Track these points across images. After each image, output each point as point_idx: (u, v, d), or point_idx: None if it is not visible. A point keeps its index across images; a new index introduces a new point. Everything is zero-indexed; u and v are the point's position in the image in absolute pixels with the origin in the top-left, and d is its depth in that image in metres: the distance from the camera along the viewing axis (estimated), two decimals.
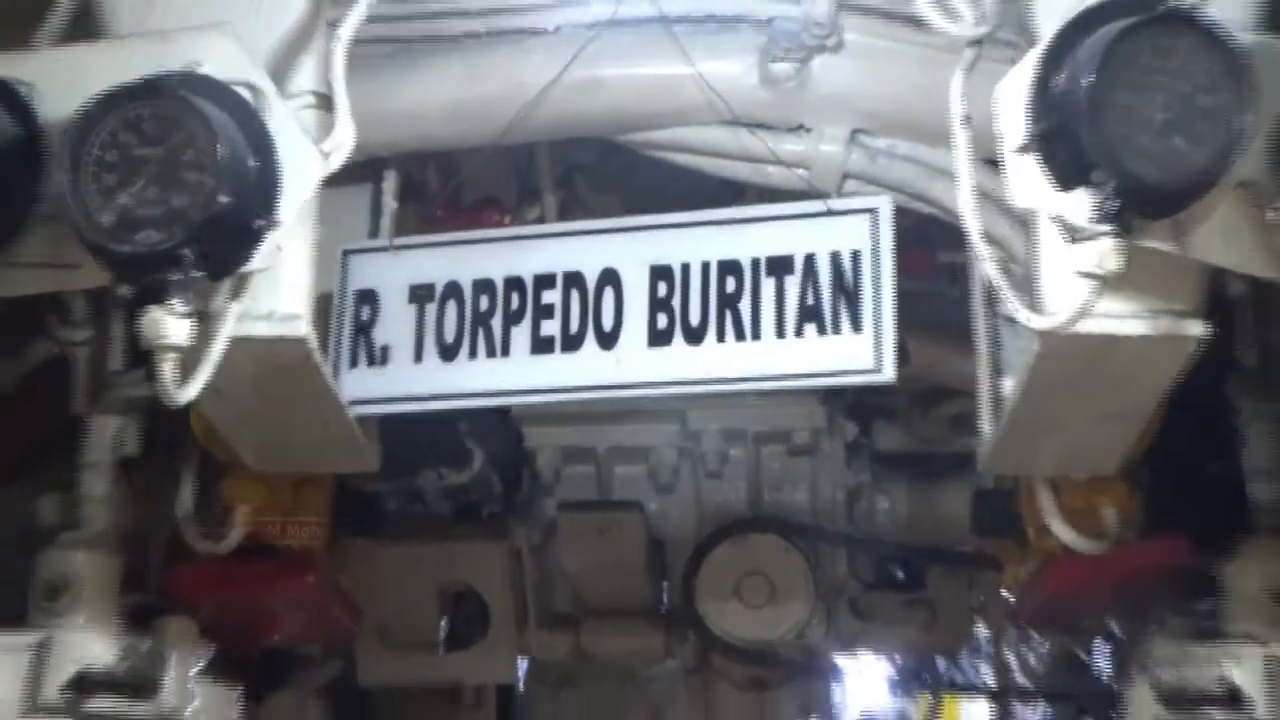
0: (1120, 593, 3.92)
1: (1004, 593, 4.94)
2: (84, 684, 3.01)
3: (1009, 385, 3.60)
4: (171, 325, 2.70)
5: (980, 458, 3.87)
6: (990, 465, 3.83)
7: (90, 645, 3.18)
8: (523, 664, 5.65)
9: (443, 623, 5.36)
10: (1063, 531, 3.67)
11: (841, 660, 5.92)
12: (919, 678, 5.95)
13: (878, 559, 5.53)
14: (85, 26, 3.17)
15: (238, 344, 2.90)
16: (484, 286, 3.64)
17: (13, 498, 4.19)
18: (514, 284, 3.63)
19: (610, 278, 3.60)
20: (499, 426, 5.28)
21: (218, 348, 2.83)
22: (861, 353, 3.43)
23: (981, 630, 5.79)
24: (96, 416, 3.79)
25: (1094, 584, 3.90)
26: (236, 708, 3.60)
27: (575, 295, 3.59)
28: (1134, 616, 3.91)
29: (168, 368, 2.72)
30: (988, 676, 5.83)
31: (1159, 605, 3.71)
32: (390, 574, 5.15)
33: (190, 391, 2.76)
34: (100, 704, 3.00)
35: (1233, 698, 3.06)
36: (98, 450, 3.75)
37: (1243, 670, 3.11)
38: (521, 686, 5.91)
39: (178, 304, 2.71)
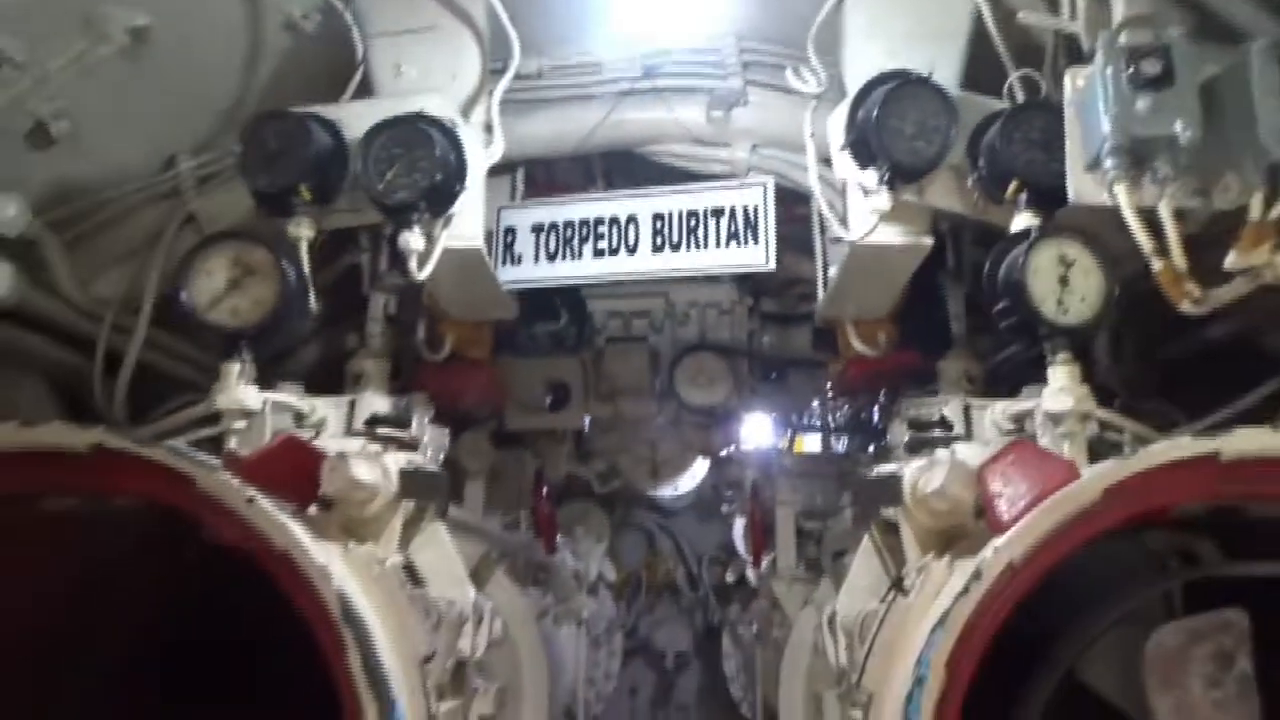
0: (887, 377, 3.87)
1: (828, 382, 4.84)
2: (374, 420, 2.99)
3: (833, 272, 3.63)
4: (414, 240, 2.74)
5: (817, 312, 3.91)
6: (822, 315, 3.86)
7: (377, 404, 3.15)
8: (586, 419, 5.45)
9: (547, 398, 5.23)
10: (859, 345, 3.68)
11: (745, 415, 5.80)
12: (785, 423, 5.80)
13: (763, 365, 5.42)
14: (365, 89, 3.18)
15: (446, 252, 2.92)
16: (569, 224, 3.62)
17: (333, 334, 4.21)
18: (584, 223, 3.61)
19: (632, 219, 3.58)
20: (574, 299, 5.27)
21: (436, 252, 2.85)
22: (758, 255, 3.46)
23: (815, 402, 5.71)
24: (373, 294, 3.77)
25: (873, 373, 3.85)
26: (447, 439, 3.51)
27: (615, 228, 3.57)
28: (892, 390, 3.88)
29: (413, 263, 2.76)
30: (817, 422, 5.71)
31: (905, 384, 3.72)
32: (521, 374, 5.11)
33: (424, 274, 2.80)
34: (382, 430, 2.95)
35: (943, 422, 3.06)
36: (375, 310, 3.72)
37: (949, 409, 3.13)
38: (586, 429, 5.73)
39: (417, 230, 2.75)
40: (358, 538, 2.40)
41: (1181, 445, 2.03)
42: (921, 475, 2.36)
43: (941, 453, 2.62)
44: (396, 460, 2.62)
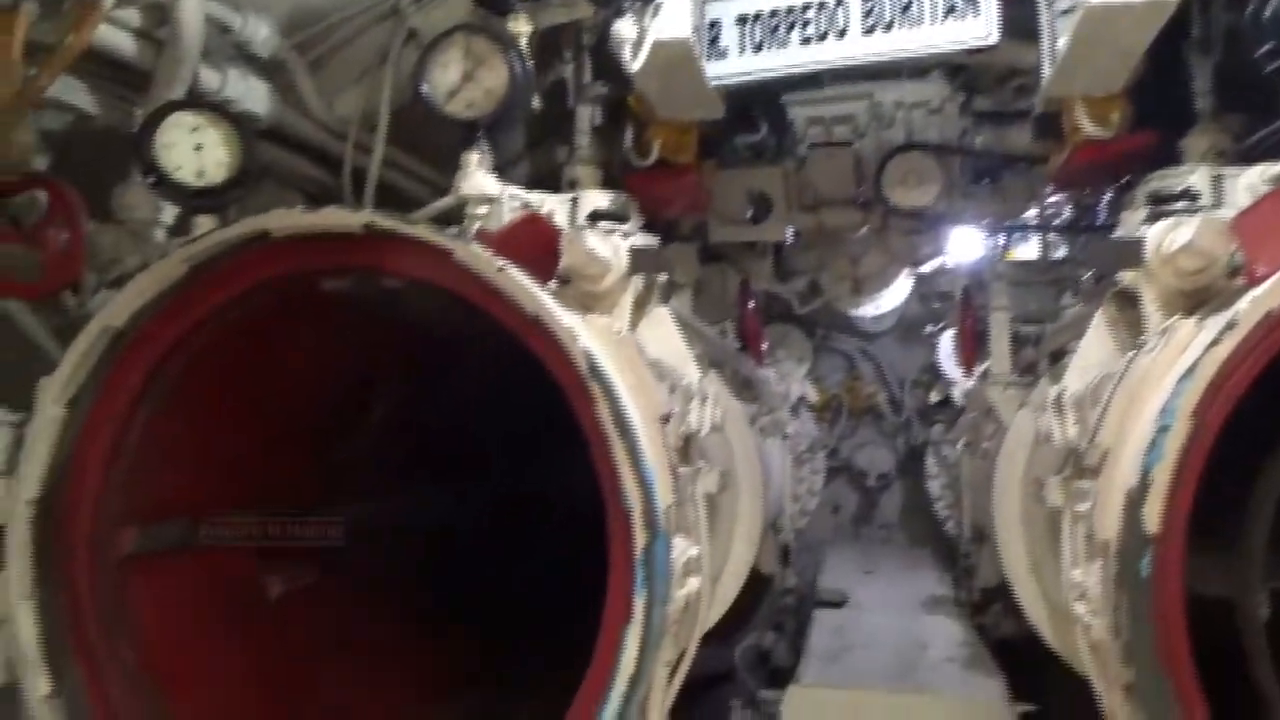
0: (1120, 163, 3.61)
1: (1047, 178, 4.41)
2: (595, 215, 3.11)
3: (1061, 44, 3.37)
4: (626, 29, 2.77)
5: (1040, 94, 3.66)
6: (1047, 94, 3.59)
7: (597, 200, 3.27)
8: (789, 230, 5.41)
9: (749, 210, 5.15)
10: (1088, 126, 3.41)
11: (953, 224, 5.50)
12: (997, 230, 5.51)
13: (975, 167, 5.11)
14: None
15: (655, 45, 2.94)
16: (774, 12, 3.48)
17: (542, 153, 4.37)
18: (790, 10, 3.46)
19: (840, 1, 3.41)
20: (773, 108, 5.12)
21: (648, 43, 2.88)
22: (980, 28, 3.27)
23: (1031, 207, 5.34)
24: (580, 106, 3.85)
25: (1103, 158, 3.58)
26: (657, 244, 3.53)
27: (823, 12, 3.42)
28: (1124, 178, 3.64)
29: (626, 52, 2.80)
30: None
31: (1140, 170, 3.48)
32: (723, 186, 5.04)
33: (637, 64, 2.85)
34: (602, 224, 3.06)
35: (1188, 193, 2.89)
36: (582, 121, 3.81)
37: (1195, 177, 2.92)
38: (789, 241, 5.69)
39: (629, 18, 2.76)
40: (591, 313, 2.60)
41: None
42: (1167, 234, 2.25)
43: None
44: (625, 241, 2.76)
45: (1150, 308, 2.39)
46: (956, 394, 7.08)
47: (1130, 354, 2.31)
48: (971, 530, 5.52)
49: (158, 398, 2.47)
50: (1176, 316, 2.24)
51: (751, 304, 5.32)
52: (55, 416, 2.36)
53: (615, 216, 3.13)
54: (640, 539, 2.13)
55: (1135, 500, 1.91)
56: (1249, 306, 1.92)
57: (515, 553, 4.01)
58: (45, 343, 2.97)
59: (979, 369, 5.18)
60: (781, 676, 5.39)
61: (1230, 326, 1.92)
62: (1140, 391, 2.09)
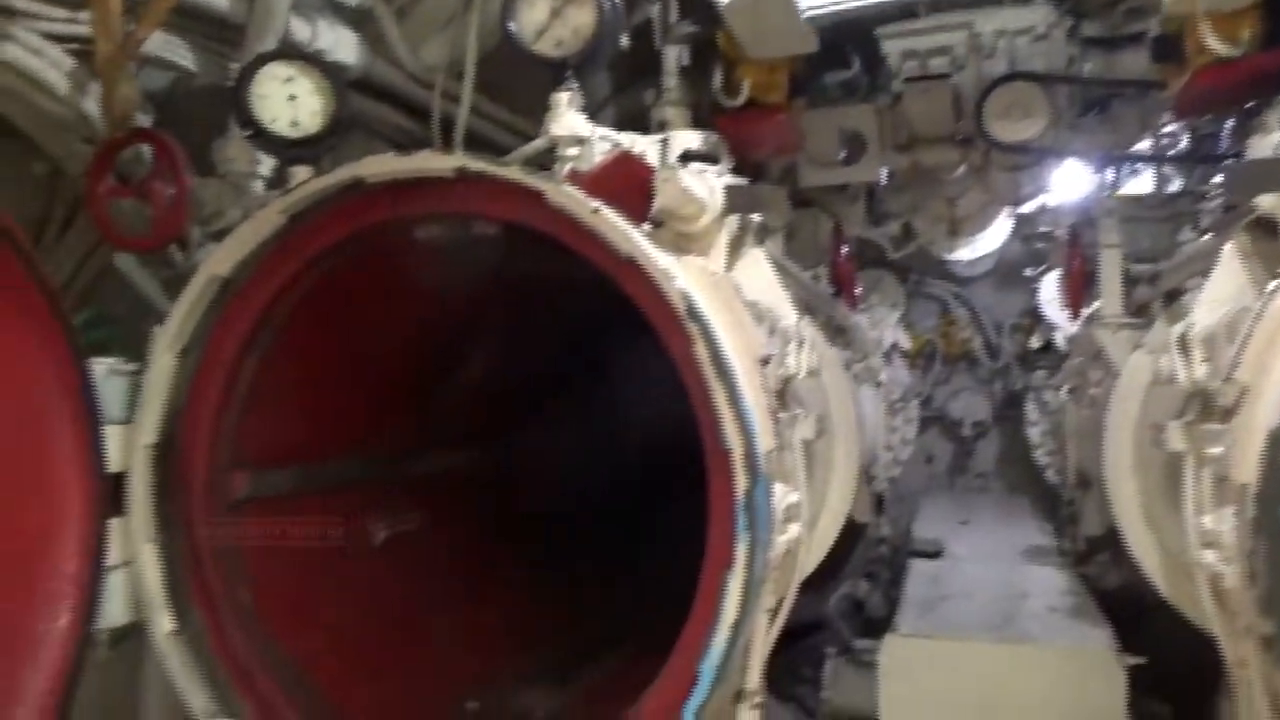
0: (1250, 84, 3.34)
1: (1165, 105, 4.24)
2: (686, 155, 3.05)
3: None
4: None
5: (1161, 12, 3.42)
6: (1169, 11, 3.36)
7: (688, 140, 3.23)
8: (883, 171, 5.24)
9: (841, 151, 5.06)
10: (1214, 44, 3.16)
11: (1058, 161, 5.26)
12: (1107, 163, 5.20)
13: (1084, 97, 4.88)
14: None
15: None
16: None
17: (629, 97, 4.31)
18: None
19: None
20: (866, 43, 4.92)
21: None
22: None
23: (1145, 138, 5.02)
24: (667, 47, 3.77)
25: (1231, 80, 3.33)
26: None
27: None
28: (1254, 101, 3.38)
29: None
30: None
31: (1272, 92, 3.23)
32: (814, 126, 4.89)
33: (724, 3, 2.75)
34: (694, 164, 3.00)
35: None
36: (669, 63, 3.74)
37: None
38: (883, 182, 5.52)
39: None
40: (687, 254, 2.55)
41: None
42: None
43: None
44: (719, 180, 2.70)
45: None
46: (1059, 339, 6.81)
47: (1272, 286, 2.15)
48: (1076, 477, 5.33)
49: (264, 346, 2.53)
50: None
51: (845, 249, 5.18)
52: (168, 365, 2.44)
53: (706, 158, 3.06)
54: (742, 482, 2.09)
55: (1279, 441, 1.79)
56: None
57: (611, 503, 4.04)
58: (155, 295, 3.07)
59: (1086, 311, 4.95)
60: (876, 627, 5.34)
61: None
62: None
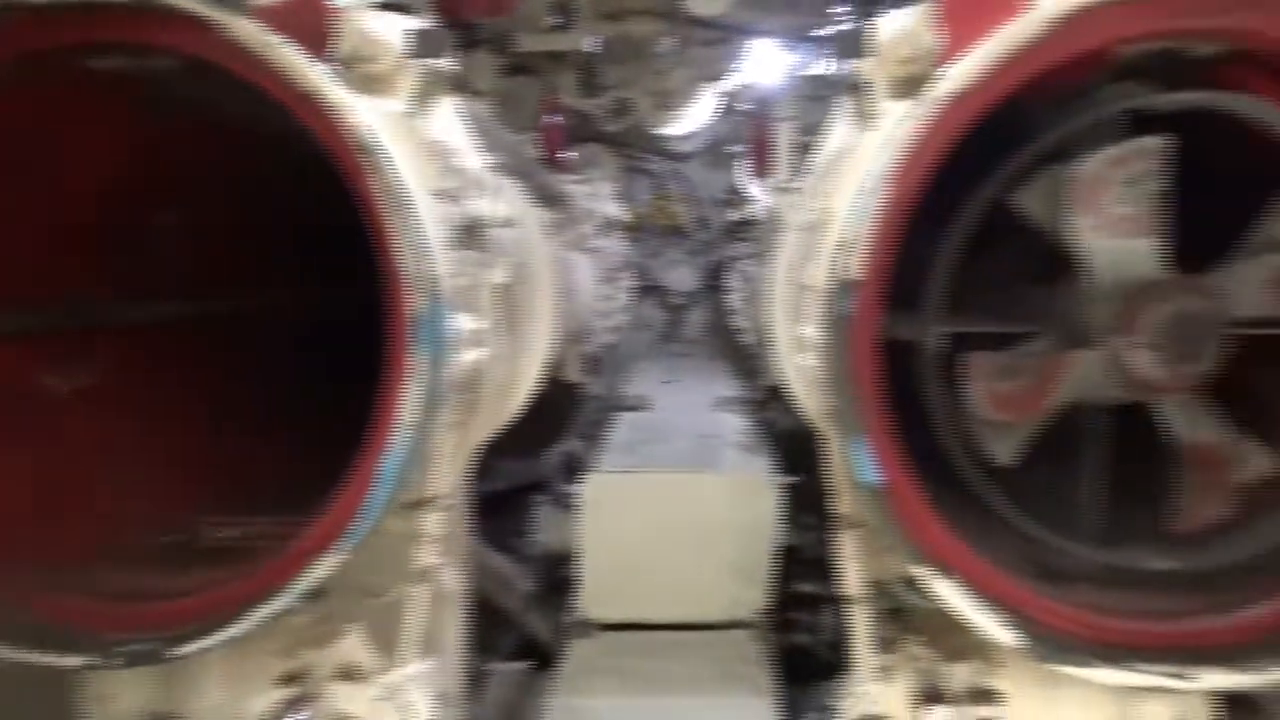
0: None
1: None
2: (380, 2, 3.09)
3: None
4: None
5: None
6: None
7: None
8: (594, 40, 5.45)
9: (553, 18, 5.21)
10: None
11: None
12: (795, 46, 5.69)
13: None
14: None
15: None
16: None
17: None
18: None
19: None
20: None
21: None
22: None
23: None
24: None
25: None
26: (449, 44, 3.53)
27: None
28: None
29: None
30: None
31: None
32: None
33: None
34: (385, 10, 3.06)
35: None
36: None
37: None
38: (595, 51, 5.72)
39: None
40: (371, 96, 2.70)
41: None
42: (889, 24, 2.58)
43: None
44: (405, 23, 2.81)
45: (879, 95, 2.74)
46: (759, 211, 7.54)
47: (855, 131, 2.68)
48: (759, 335, 6.10)
49: None
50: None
51: (557, 117, 5.45)
52: None
53: (399, 7, 3.15)
54: (418, 301, 2.37)
55: (841, 251, 2.31)
56: (940, 85, 2.30)
57: (316, 353, 4.15)
58: None
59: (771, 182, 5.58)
60: None
61: (922, 103, 2.30)
62: (850, 163, 2.47)
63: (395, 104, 2.72)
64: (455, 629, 3.81)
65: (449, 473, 2.88)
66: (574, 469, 6.76)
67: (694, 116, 7.01)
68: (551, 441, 7.13)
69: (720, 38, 5.48)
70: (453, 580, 3.38)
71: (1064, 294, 2.61)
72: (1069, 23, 2.26)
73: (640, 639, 4.66)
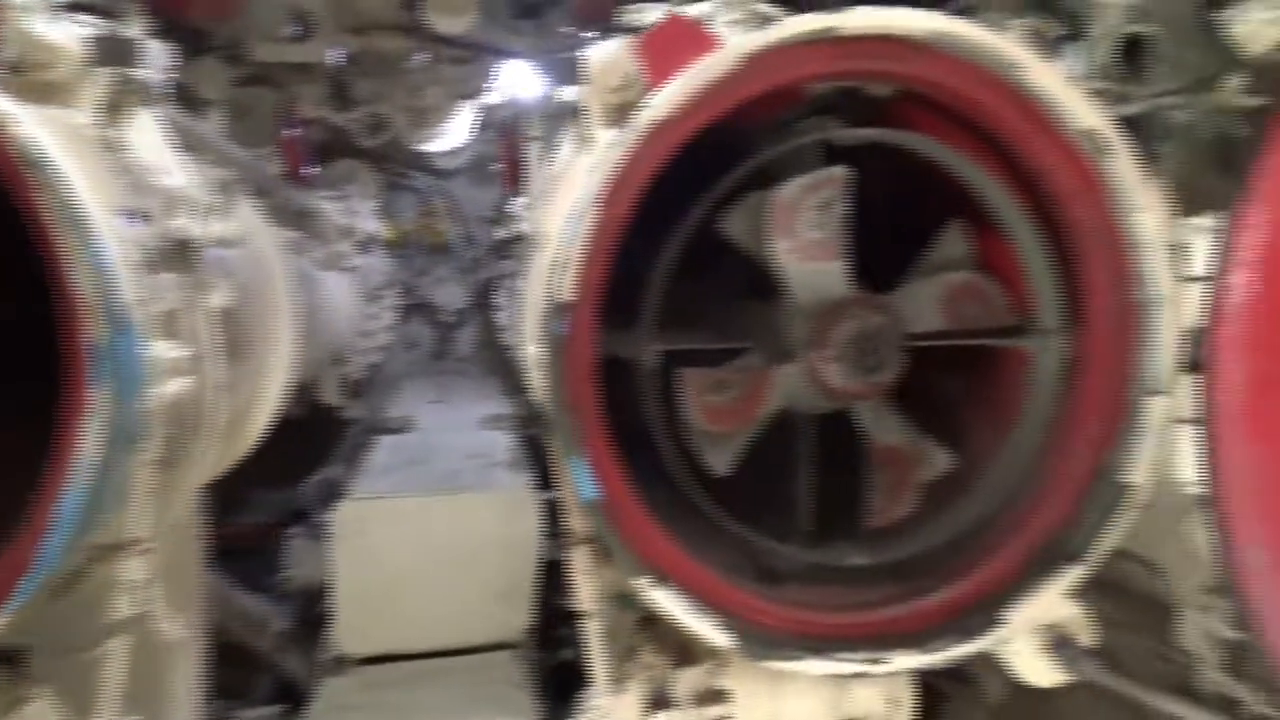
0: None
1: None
2: (75, 6, 2.86)
3: None
4: None
5: None
6: None
7: None
8: (336, 53, 5.29)
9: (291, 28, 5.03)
10: None
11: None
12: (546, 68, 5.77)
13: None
14: None
15: None
16: None
17: None
18: None
19: None
20: None
21: None
22: None
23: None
24: None
25: None
26: (168, 53, 3.18)
27: None
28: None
29: None
30: None
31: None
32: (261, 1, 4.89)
33: None
34: (79, 12, 2.84)
35: None
36: None
37: None
38: (338, 63, 5.60)
39: None
40: (49, 105, 2.48)
41: (805, 21, 2.41)
42: (599, 53, 2.65)
43: None
44: (87, 28, 2.60)
45: (594, 121, 2.81)
46: (524, 228, 7.55)
47: (571, 155, 2.74)
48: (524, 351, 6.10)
49: None
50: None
51: (296, 130, 5.23)
52: None
53: (98, 9, 2.92)
54: (97, 330, 2.19)
55: (554, 272, 2.35)
56: (643, 114, 2.39)
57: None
58: None
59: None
60: None
61: (628, 130, 2.38)
62: (572, 188, 2.52)
63: (78, 115, 2.52)
64: (185, 679, 3.56)
65: (150, 514, 2.67)
66: (334, 496, 6.50)
67: (454, 133, 6.92)
68: (311, 469, 6.83)
69: (471, 56, 5.44)
70: (180, 627, 3.16)
71: (770, 311, 2.78)
72: (755, 60, 2.41)
73: (398, 670, 4.54)
